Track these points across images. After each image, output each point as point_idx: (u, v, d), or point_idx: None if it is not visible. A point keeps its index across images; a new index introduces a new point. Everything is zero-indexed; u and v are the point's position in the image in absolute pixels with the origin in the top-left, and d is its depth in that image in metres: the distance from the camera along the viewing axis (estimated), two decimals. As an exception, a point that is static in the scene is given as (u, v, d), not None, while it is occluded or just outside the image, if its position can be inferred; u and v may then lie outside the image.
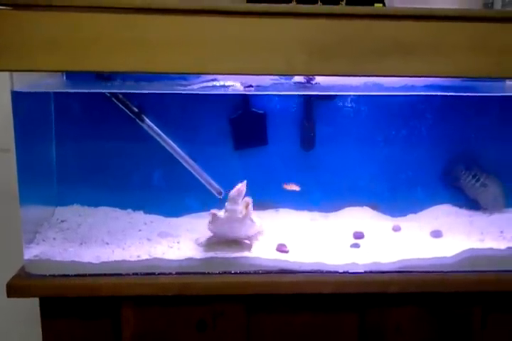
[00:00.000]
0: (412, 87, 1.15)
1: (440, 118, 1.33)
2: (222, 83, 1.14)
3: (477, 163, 1.34)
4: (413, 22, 0.94)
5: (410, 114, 1.32)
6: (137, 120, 1.26)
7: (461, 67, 0.96)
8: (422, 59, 0.95)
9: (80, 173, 1.29)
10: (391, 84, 1.15)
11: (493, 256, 1.10)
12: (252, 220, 1.11)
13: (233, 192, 1.09)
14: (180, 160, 1.29)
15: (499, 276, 1.08)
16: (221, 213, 1.09)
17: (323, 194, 1.33)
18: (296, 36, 0.92)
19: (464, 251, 1.10)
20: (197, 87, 1.14)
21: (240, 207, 1.08)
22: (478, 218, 1.30)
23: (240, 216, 1.08)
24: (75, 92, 1.22)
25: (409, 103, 1.31)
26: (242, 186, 1.09)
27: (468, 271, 1.08)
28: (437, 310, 1.09)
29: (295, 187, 1.24)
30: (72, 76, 1.22)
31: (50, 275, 1.04)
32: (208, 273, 1.05)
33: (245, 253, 1.09)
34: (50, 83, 1.19)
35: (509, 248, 1.12)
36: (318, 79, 1.17)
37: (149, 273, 1.05)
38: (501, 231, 1.21)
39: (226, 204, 1.09)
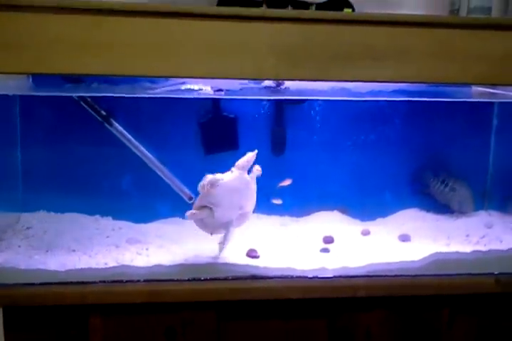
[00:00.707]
0: (380, 92, 1.17)
1: (407, 124, 1.35)
2: (191, 87, 1.13)
3: (445, 169, 1.37)
4: (381, 27, 0.95)
5: (378, 119, 1.34)
6: (105, 124, 1.24)
7: (428, 72, 0.98)
8: (389, 64, 0.96)
9: (46, 178, 1.26)
10: (359, 89, 1.16)
11: (459, 260, 1.11)
12: (253, 194, 1.07)
13: (243, 161, 1.05)
14: (150, 165, 1.27)
15: (465, 279, 1.09)
16: (225, 178, 1.03)
17: (294, 198, 1.33)
18: (266, 40, 0.92)
19: (431, 255, 1.11)
20: (165, 90, 1.13)
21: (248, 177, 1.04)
22: (445, 222, 1.32)
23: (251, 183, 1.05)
24: (41, 95, 1.19)
25: (377, 108, 1.32)
26: (253, 156, 1.04)
27: (436, 275, 1.10)
28: (406, 313, 1.10)
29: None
30: (39, 78, 1.19)
31: (14, 284, 1.01)
32: (177, 280, 1.04)
33: (215, 259, 1.08)
34: (15, 86, 1.16)
35: (474, 251, 1.14)
36: (288, 83, 1.17)
37: (117, 281, 1.03)
38: (467, 235, 1.23)
39: (233, 170, 1.04)
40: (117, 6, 0.87)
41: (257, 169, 1.07)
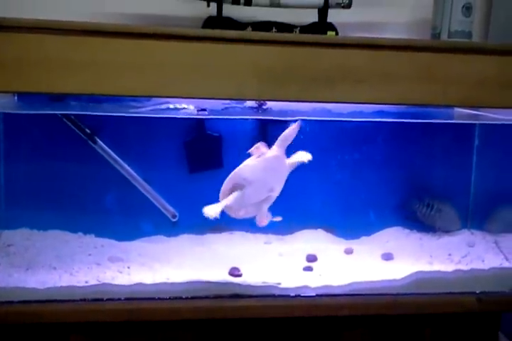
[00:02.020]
0: (361, 113, 1.18)
1: (389, 143, 1.37)
2: (175, 106, 1.14)
3: (428, 190, 1.38)
4: (363, 51, 0.97)
5: (360, 139, 1.35)
6: (89, 141, 1.24)
7: (409, 95, 0.99)
8: (371, 87, 0.97)
9: (29, 195, 1.25)
10: (340, 110, 1.17)
11: (441, 279, 1.12)
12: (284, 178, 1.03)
13: (282, 136, 1.02)
14: (134, 183, 1.28)
15: (446, 298, 1.10)
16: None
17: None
18: (249, 62, 0.94)
19: (413, 274, 1.12)
20: (149, 109, 1.14)
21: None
22: (428, 241, 1.33)
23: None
24: (24, 113, 1.19)
25: (359, 129, 1.34)
26: (293, 130, 1.02)
27: (417, 294, 1.10)
28: (389, 332, 1.10)
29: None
30: (23, 96, 1.19)
31: (-8, 302, 1.00)
32: (159, 299, 1.03)
33: (196, 278, 1.08)
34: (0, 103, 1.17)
35: (456, 270, 1.14)
36: (270, 103, 1.19)
37: (97, 299, 1.02)
38: (449, 254, 1.24)
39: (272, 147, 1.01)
40: (100, 27, 0.89)
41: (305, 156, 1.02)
